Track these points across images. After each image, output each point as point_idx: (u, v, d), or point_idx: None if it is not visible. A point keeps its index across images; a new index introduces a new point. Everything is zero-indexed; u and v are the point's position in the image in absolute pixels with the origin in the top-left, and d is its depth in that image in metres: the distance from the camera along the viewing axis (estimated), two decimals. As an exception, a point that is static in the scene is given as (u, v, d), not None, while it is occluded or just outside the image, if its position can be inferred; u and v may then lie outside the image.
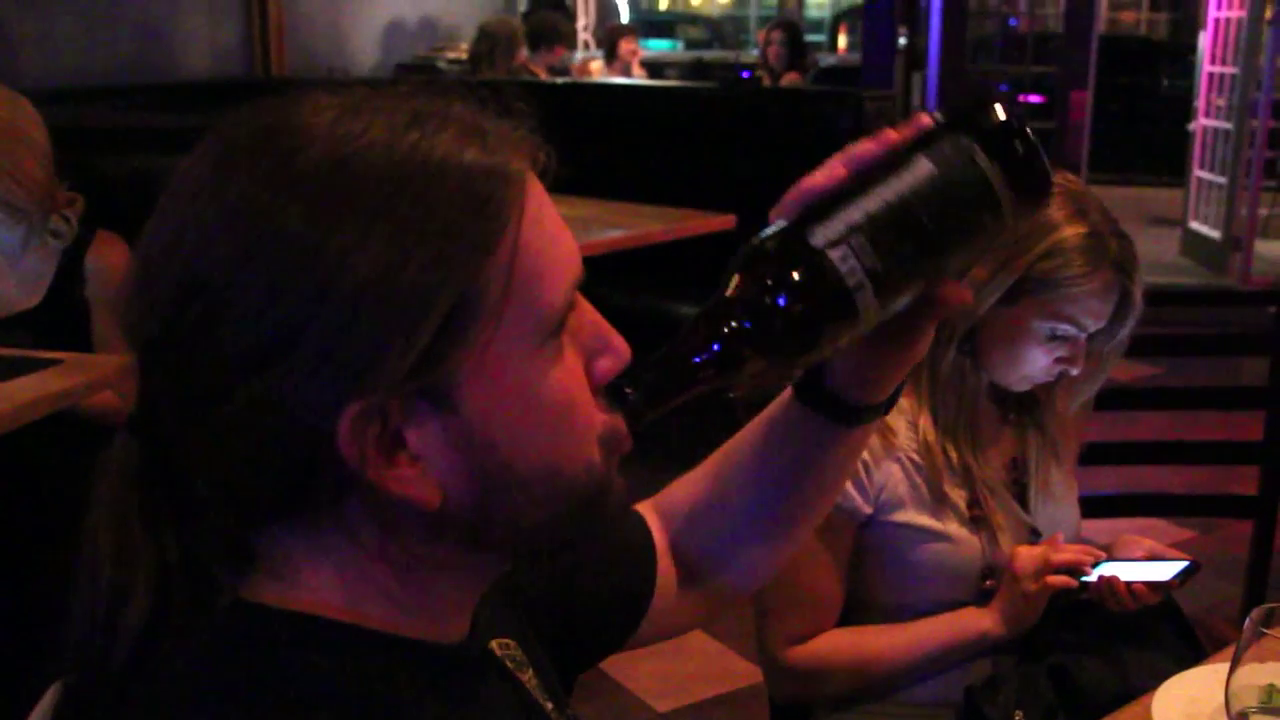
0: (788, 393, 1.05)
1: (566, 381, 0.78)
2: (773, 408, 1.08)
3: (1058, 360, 1.66)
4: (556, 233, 0.79)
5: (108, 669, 0.77)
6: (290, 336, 0.70)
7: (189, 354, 0.72)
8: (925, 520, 1.69)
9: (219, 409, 0.72)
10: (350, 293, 0.70)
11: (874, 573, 1.73)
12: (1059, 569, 1.66)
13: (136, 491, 0.77)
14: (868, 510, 1.69)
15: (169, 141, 3.24)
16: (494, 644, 0.94)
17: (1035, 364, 1.67)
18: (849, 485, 1.67)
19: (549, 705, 0.96)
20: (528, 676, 0.96)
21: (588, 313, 0.82)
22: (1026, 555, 1.67)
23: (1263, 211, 8.51)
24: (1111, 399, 2.29)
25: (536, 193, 0.78)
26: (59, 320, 2.67)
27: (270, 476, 0.74)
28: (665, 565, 1.13)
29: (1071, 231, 1.60)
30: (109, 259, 2.69)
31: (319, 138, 0.73)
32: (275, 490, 0.75)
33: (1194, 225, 8.61)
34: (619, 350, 0.81)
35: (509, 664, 0.95)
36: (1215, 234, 8.23)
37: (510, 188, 0.75)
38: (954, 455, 1.70)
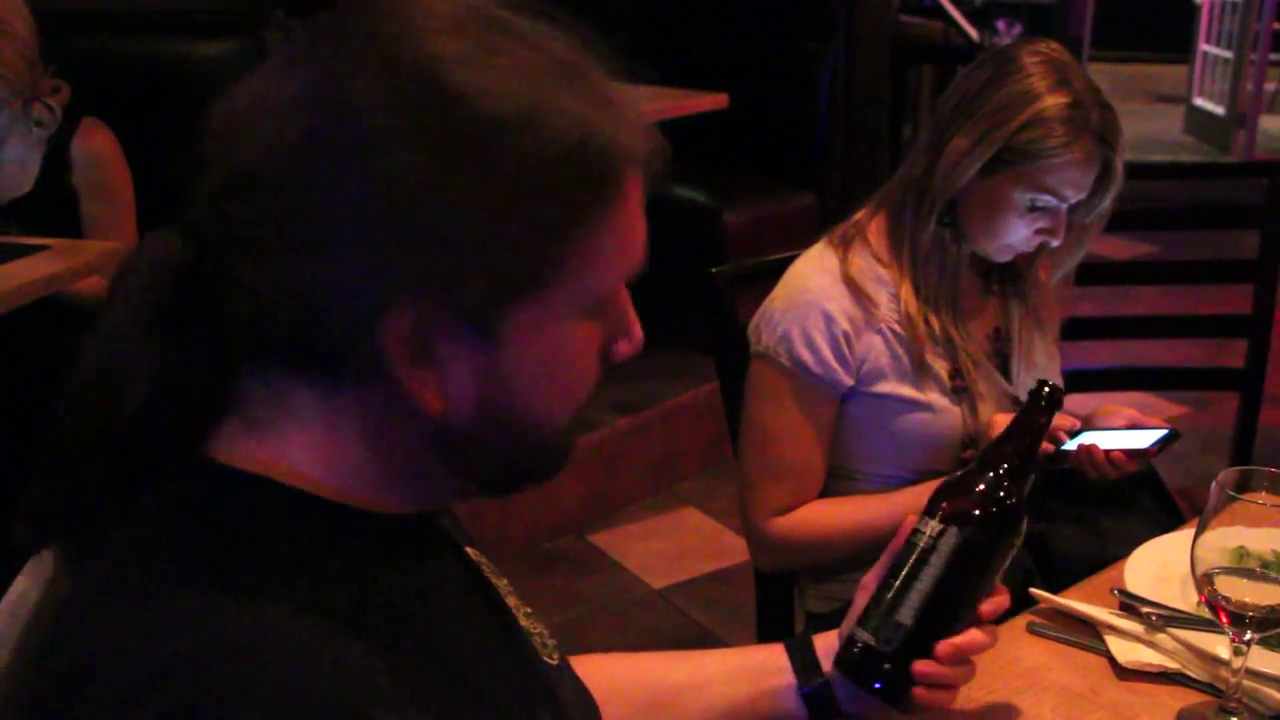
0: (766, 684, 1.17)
1: (586, 352, 0.84)
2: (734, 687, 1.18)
3: (1038, 231, 1.66)
4: (638, 223, 0.83)
5: (104, 447, 0.78)
6: (396, 221, 0.73)
7: (287, 194, 0.74)
8: (907, 391, 1.70)
9: (297, 257, 0.74)
10: (456, 225, 0.74)
11: (856, 443, 1.75)
12: None
13: (166, 291, 0.79)
14: (849, 382, 1.70)
15: (156, 24, 3.19)
16: (469, 550, 0.98)
17: (1016, 234, 1.67)
18: (831, 358, 1.67)
19: (522, 607, 0.99)
20: (503, 584, 1.00)
21: (623, 296, 0.87)
22: (1002, 422, 1.65)
23: (1269, 86, 8.40)
24: (1101, 274, 2.29)
25: (638, 180, 0.82)
26: (48, 208, 2.66)
27: (313, 330, 0.76)
28: None
29: (1053, 101, 1.59)
30: (94, 145, 2.67)
31: (467, 90, 0.74)
32: (310, 343, 0.77)
33: (1198, 102, 8.50)
34: (636, 338, 0.88)
35: (485, 569, 0.98)
36: (1219, 110, 8.13)
37: (627, 172, 0.80)
38: (936, 326, 1.71)
